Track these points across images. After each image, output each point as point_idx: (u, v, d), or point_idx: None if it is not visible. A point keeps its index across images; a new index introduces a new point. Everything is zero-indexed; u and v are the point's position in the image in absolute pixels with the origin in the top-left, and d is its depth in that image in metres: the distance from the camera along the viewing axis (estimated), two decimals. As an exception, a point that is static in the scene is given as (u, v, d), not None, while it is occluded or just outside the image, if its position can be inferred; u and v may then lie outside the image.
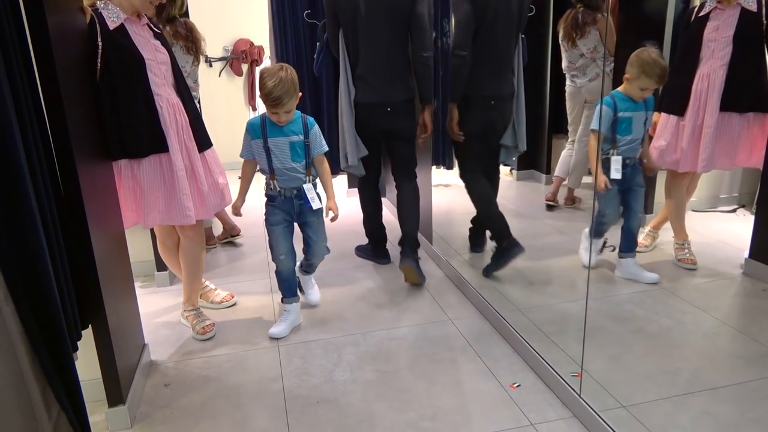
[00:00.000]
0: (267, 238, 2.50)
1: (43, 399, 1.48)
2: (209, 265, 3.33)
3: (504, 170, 3.67)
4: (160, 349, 2.42)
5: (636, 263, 2.82)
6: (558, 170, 4.54)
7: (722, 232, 3.60)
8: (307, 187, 2.42)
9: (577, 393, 1.91)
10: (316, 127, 2.43)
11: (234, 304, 2.82)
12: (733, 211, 4.04)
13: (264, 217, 2.47)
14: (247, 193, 2.49)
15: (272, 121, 2.32)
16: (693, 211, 3.85)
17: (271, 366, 2.27)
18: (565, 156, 4.19)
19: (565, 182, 4.39)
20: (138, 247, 2.94)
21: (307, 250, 2.60)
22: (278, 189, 2.40)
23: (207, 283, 2.84)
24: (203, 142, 2.30)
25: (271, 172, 2.38)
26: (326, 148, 2.46)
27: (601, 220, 2.76)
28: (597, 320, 2.53)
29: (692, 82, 2.71)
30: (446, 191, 4.68)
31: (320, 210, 2.49)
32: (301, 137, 2.37)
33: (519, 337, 2.29)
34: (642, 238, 3.34)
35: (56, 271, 1.52)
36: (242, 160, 2.47)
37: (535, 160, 5.35)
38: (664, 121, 2.88)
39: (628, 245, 2.81)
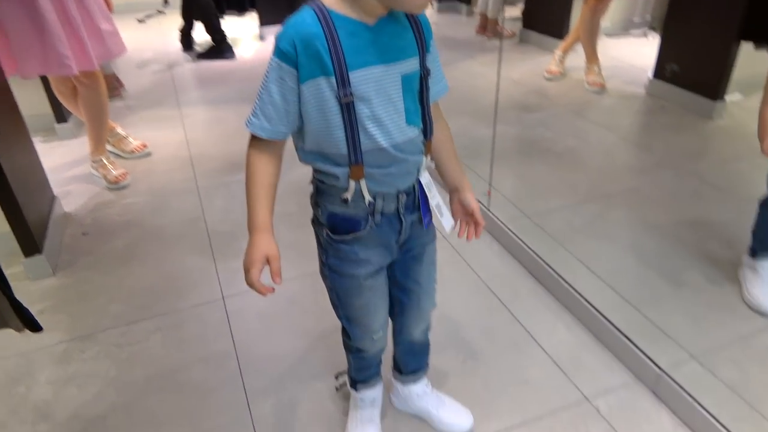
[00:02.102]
0: (339, 303, 1.16)
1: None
2: (117, 115, 3.15)
3: None
4: (72, 201, 2.35)
5: None
6: (480, 5, 4.41)
7: (632, 55, 3.72)
8: (426, 180, 1.05)
9: (486, 207, 2.05)
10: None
11: (148, 154, 2.73)
12: (644, 35, 4.14)
13: (325, 266, 1.11)
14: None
15: (362, 25, 0.88)
16: (606, 36, 3.91)
17: (193, 208, 2.27)
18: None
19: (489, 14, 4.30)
20: (32, 100, 2.71)
21: (400, 311, 1.21)
22: (368, 201, 0.99)
23: (118, 130, 2.70)
24: None
25: (355, 163, 0.94)
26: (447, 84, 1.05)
27: None
28: (507, 143, 2.64)
29: None
30: None
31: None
32: (417, 61, 0.95)
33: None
34: (553, 65, 3.40)
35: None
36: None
37: (455, -9, 5.13)
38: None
39: None
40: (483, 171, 2.21)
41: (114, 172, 2.44)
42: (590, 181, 2.32)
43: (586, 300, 1.61)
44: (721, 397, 1.35)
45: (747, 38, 2.60)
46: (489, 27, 4.34)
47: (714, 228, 1.97)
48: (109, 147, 2.64)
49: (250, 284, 0.98)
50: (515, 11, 4.36)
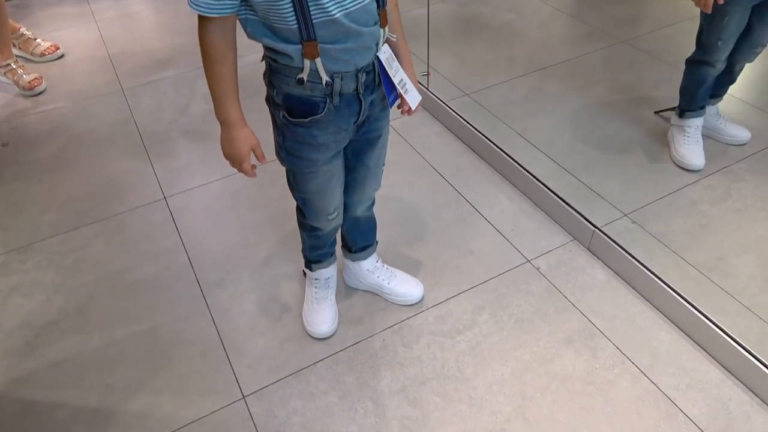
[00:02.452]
0: (296, 185, 1.16)
1: None
2: (19, 14, 2.84)
3: None
4: (-15, 111, 2.17)
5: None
6: None
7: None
8: (387, 56, 1.01)
9: (425, 87, 2.03)
10: None
11: (62, 56, 2.51)
12: None
13: (282, 148, 1.07)
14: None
15: None
16: None
17: (120, 110, 2.14)
18: None
19: None
20: None
21: (345, 191, 1.21)
22: (326, 81, 0.94)
23: (23, 30, 2.45)
24: None
25: (308, 39, 0.88)
26: None
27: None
28: (443, 21, 2.57)
29: None
30: None
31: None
32: None
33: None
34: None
35: None
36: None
37: None
38: None
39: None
40: (420, 52, 2.16)
41: (26, 77, 2.24)
42: (527, 56, 2.31)
43: (526, 169, 1.66)
44: (649, 247, 1.46)
45: None
46: None
47: (645, 93, 2.02)
48: (16, 51, 2.41)
49: (245, 172, 1.04)
50: None
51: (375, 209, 1.33)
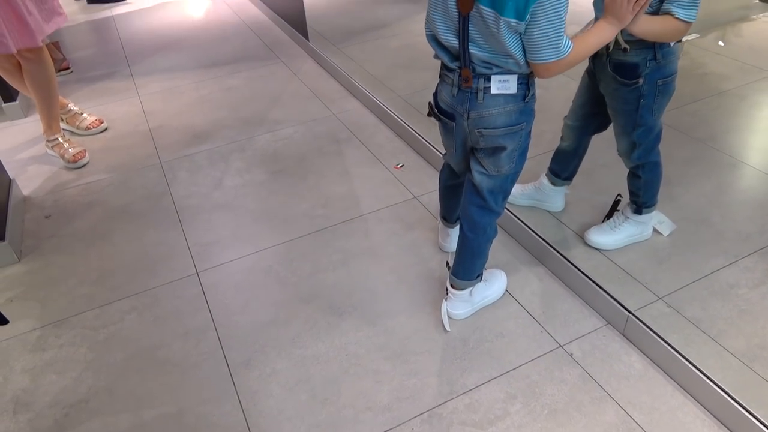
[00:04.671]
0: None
1: None
2: (68, 88, 3.02)
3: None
4: (31, 184, 2.27)
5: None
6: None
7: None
8: None
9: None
10: None
11: (105, 130, 2.63)
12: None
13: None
14: None
15: None
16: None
17: (157, 183, 2.22)
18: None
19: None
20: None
21: None
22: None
23: (71, 106, 2.60)
24: None
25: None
26: None
27: None
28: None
29: None
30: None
31: None
32: None
33: (400, 121, 2.36)
34: None
35: None
36: None
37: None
38: None
39: None
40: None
41: (71, 151, 2.35)
42: (554, 131, 2.33)
43: (555, 249, 1.65)
44: (686, 334, 1.41)
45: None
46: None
47: (675, 170, 2.01)
48: (63, 124, 2.55)
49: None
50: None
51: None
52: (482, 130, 1.26)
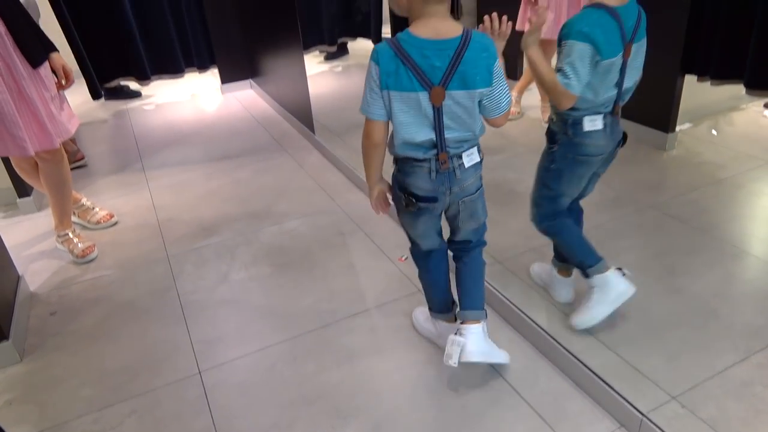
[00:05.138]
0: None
1: None
2: (81, 182, 3.11)
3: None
4: (39, 279, 2.29)
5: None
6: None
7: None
8: None
9: (458, 257, 2.07)
10: None
11: (115, 224, 2.69)
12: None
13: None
14: None
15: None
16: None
17: (163, 277, 2.24)
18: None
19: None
20: (-10, 175, 2.68)
21: None
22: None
23: (83, 201, 2.66)
24: (35, 55, 2.03)
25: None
26: None
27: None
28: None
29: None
30: (322, 76, 4.56)
31: None
32: None
33: (404, 213, 2.40)
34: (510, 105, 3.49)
35: None
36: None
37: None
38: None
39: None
40: (452, 219, 2.24)
41: (80, 246, 2.39)
42: (557, 221, 2.37)
43: (563, 346, 1.63)
44: (702, 436, 1.36)
45: (689, 71, 2.73)
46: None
47: (679, 260, 2.02)
48: (74, 218, 2.60)
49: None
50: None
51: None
52: (464, 199, 1.44)
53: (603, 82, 1.45)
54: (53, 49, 2.15)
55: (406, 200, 1.43)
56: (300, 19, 3.15)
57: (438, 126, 1.29)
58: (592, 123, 1.51)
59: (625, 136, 1.62)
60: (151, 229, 2.61)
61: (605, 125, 1.53)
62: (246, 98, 4.42)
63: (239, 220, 2.60)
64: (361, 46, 4.56)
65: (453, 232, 1.60)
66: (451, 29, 1.24)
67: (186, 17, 4.13)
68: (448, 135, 1.31)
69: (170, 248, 2.43)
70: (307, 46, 3.82)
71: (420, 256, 1.68)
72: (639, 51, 1.50)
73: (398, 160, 1.42)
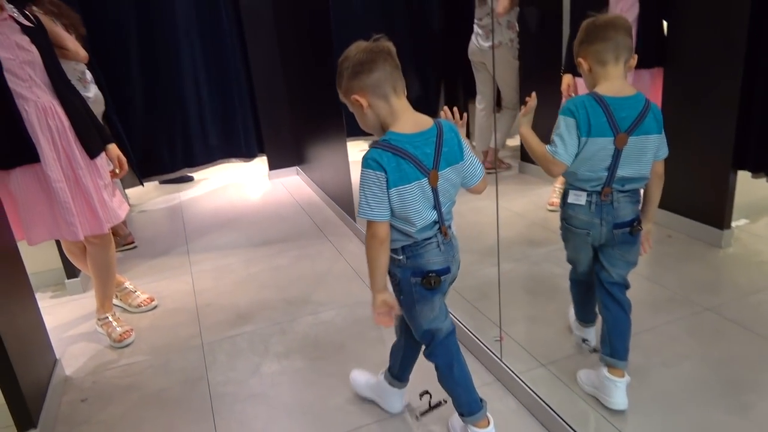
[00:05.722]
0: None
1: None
2: (127, 264, 3.19)
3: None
4: (75, 362, 2.30)
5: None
6: (480, 143, 4.55)
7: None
8: None
9: (498, 358, 1.96)
10: None
11: (155, 308, 2.71)
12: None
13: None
14: None
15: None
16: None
17: (196, 366, 2.21)
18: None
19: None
20: (43, 255, 2.78)
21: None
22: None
23: (126, 284, 2.71)
24: (93, 147, 2.15)
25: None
26: None
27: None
28: (516, 282, 2.60)
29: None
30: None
31: None
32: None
33: (443, 307, 2.32)
34: (554, 197, 3.45)
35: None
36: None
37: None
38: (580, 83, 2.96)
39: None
40: (493, 314, 2.15)
41: (119, 330, 2.41)
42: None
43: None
44: None
45: (741, 167, 2.64)
46: (489, 158, 4.48)
47: (744, 374, 1.85)
48: (116, 301, 2.64)
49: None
50: (513, 142, 4.51)
51: None
52: (458, 263, 1.55)
53: (588, 162, 1.59)
54: (110, 140, 2.27)
55: (426, 281, 1.48)
56: (344, 108, 3.27)
57: (437, 204, 1.44)
58: (576, 197, 1.66)
59: (638, 221, 1.73)
60: (188, 314, 2.61)
61: (589, 203, 1.64)
62: (292, 184, 4.54)
63: (275, 308, 2.58)
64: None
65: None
66: (425, 120, 1.43)
67: (239, 111, 4.37)
68: (444, 209, 1.46)
69: (205, 335, 2.41)
70: (351, 134, 3.94)
71: (440, 345, 1.59)
72: (646, 145, 1.59)
73: (404, 249, 1.47)
